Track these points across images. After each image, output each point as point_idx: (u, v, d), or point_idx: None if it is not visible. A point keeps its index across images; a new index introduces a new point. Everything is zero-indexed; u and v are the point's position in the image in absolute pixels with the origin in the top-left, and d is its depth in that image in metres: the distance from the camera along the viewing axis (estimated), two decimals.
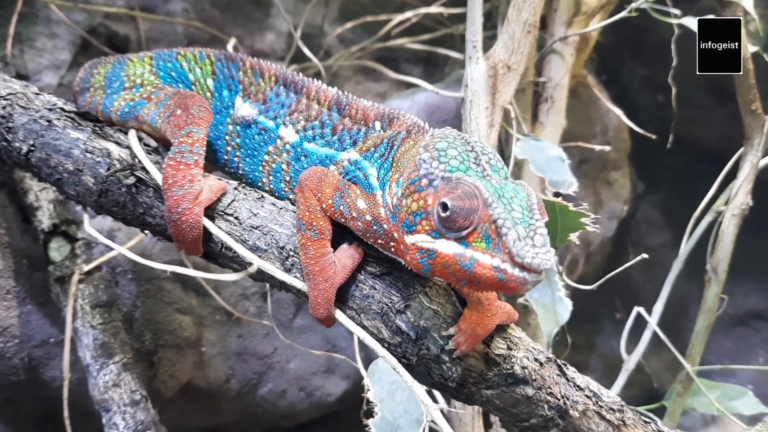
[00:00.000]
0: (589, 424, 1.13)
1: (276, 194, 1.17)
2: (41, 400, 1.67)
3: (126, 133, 1.21)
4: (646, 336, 1.86)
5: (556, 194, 1.62)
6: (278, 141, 1.14)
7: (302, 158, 1.13)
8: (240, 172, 1.19)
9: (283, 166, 1.14)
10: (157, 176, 1.12)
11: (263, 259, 1.10)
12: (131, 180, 1.14)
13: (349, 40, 2.39)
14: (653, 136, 2.02)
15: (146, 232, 1.21)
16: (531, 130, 1.88)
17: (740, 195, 1.72)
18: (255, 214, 1.12)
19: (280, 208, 1.13)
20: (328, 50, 2.34)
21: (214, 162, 1.23)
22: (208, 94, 1.21)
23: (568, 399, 1.11)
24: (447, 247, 0.87)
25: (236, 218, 1.12)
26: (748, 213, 1.84)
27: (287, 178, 1.14)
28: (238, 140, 1.18)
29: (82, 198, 1.18)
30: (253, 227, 1.11)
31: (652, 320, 1.81)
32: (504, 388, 1.06)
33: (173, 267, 1.24)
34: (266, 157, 1.16)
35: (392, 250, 1.02)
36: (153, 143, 1.22)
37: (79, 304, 1.48)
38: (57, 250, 1.52)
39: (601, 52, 2.42)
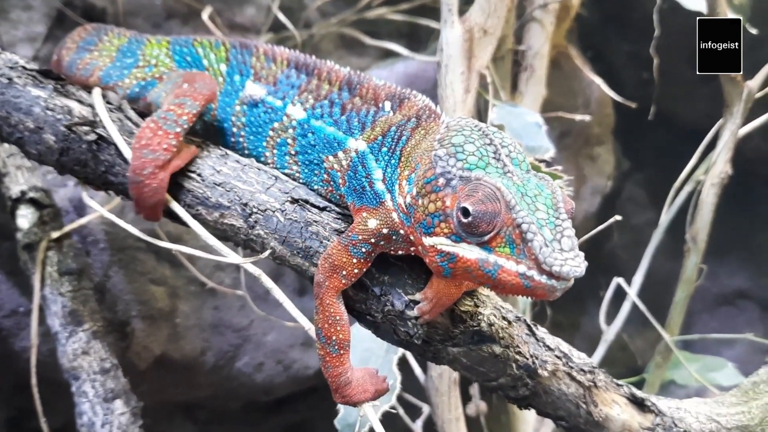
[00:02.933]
0: (559, 384, 1.12)
1: (278, 167, 1.13)
2: (13, 372, 1.65)
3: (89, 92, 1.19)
4: (626, 307, 1.85)
5: (543, 162, 1.60)
6: (285, 118, 1.11)
7: (309, 135, 1.09)
8: (245, 151, 1.17)
9: (289, 140, 1.11)
10: (115, 133, 1.10)
11: (225, 216, 1.09)
12: (92, 137, 1.12)
13: (330, 14, 2.36)
14: (633, 105, 2.00)
15: (110, 192, 1.19)
16: (510, 98, 1.86)
17: (719, 163, 1.70)
18: (218, 171, 1.11)
19: (244, 165, 1.12)
20: (308, 23, 2.32)
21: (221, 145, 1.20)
22: (221, 78, 1.20)
23: (537, 358, 1.10)
24: (469, 252, 0.83)
25: (199, 175, 1.11)
26: (733, 191, 1.83)
27: (293, 152, 1.11)
28: (243, 119, 1.15)
29: (44, 157, 1.16)
30: (216, 184, 1.10)
31: (632, 291, 1.79)
32: (471, 346, 1.04)
33: (182, 247, 1.20)
34: (271, 133, 1.13)
35: (413, 252, 0.98)
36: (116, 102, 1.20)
37: (47, 271, 1.46)
38: (25, 217, 1.49)
39: (586, 28, 2.39)
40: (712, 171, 1.71)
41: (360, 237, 0.96)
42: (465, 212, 0.81)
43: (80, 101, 1.17)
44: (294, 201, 1.07)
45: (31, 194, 1.50)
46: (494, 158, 0.86)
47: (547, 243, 0.78)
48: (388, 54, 2.18)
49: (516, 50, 1.92)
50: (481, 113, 1.80)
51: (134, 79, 1.22)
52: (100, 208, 1.28)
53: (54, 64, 1.27)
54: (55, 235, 1.48)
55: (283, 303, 1.04)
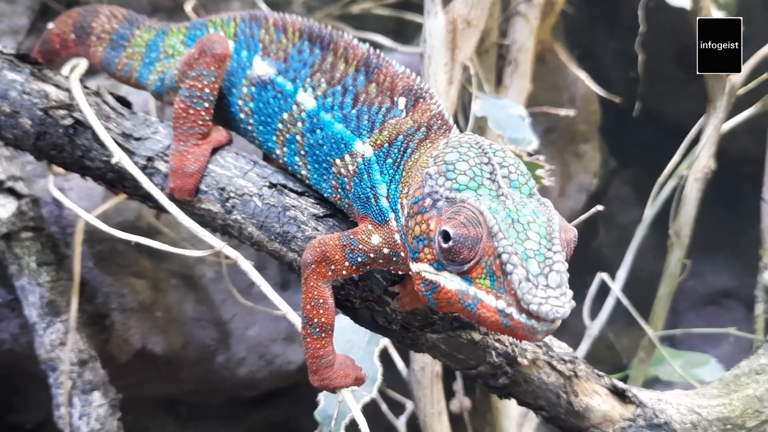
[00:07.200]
0: (539, 373, 1.12)
1: (290, 168, 1.07)
2: None
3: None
4: (609, 303, 1.85)
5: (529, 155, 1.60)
6: (294, 107, 1.03)
7: (318, 131, 1.01)
8: (257, 142, 1.11)
9: (298, 137, 1.03)
10: (92, 117, 1.09)
11: (203, 201, 1.08)
12: (69, 121, 1.11)
13: (315, 9, 2.36)
14: (617, 99, 2.00)
15: (86, 177, 1.17)
16: (494, 92, 1.85)
17: (702, 158, 1.70)
18: None
19: (222, 150, 1.11)
20: None
21: (230, 129, 1.16)
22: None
23: (516, 346, 1.09)
24: (450, 282, 0.76)
25: None
26: (719, 190, 1.83)
27: (302, 152, 1.03)
28: (251, 104, 1.08)
29: (20, 141, 1.16)
30: None
31: (615, 286, 1.79)
32: (449, 332, 1.04)
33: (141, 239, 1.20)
34: (280, 126, 1.05)
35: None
36: (94, 87, 1.19)
37: (25, 261, 1.44)
38: (3, 207, 1.47)
39: (573, 25, 2.40)
40: (695, 165, 1.71)
41: (360, 246, 0.92)
42: (445, 236, 0.75)
43: (57, 86, 1.16)
44: (272, 186, 1.06)
45: (10, 184, 1.48)
46: (489, 179, 0.79)
47: (529, 277, 0.70)
48: (374, 47, 2.18)
49: (500, 44, 1.92)
50: (465, 106, 1.80)
51: (156, 73, 1.20)
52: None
53: (67, 41, 1.26)
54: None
55: (260, 286, 1.03)
